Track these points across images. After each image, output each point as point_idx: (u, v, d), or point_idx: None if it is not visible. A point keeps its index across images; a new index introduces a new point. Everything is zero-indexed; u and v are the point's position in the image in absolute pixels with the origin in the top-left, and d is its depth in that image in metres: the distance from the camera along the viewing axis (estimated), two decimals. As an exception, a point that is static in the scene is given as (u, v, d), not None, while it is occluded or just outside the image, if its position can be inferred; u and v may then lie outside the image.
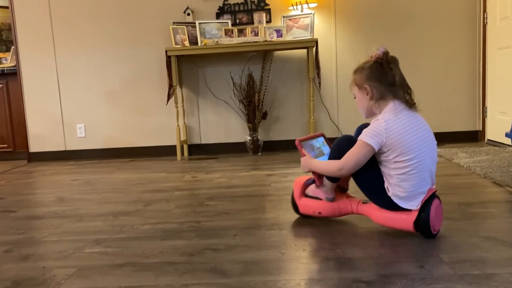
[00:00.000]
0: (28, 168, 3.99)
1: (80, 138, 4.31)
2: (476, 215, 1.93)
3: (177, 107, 3.92)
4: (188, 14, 4.01)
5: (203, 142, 4.24)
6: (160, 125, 4.22)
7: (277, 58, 4.08)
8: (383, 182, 1.66)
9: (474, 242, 1.59)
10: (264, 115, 4.02)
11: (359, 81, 1.70)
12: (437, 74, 4.01)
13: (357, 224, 1.86)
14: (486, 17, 3.83)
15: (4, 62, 4.69)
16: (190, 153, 4.19)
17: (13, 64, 4.43)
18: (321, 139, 1.99)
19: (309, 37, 3.83)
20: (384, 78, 1.65)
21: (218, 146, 4.19)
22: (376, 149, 1.60)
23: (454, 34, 3.96)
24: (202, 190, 2.69)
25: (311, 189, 1.91)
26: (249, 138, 4.00)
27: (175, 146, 4.01)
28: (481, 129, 4.02)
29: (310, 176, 1.90)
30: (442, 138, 4.00)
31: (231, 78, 4.05)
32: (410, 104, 1.67)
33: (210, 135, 4.24)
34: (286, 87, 4.10)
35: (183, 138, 4.10)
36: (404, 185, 1.60)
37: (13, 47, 4.42)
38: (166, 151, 4.19)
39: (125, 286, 1.40)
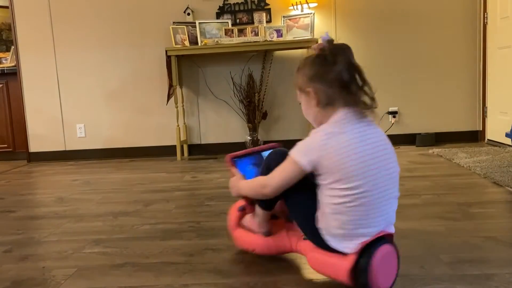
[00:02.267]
0: (28, 168, 3.99)
1: (80, 138, 4.31)
2: (476, 215, 1.92)
3: (177, 107, 3.92)
4: (188, 14, 4.01)
5: (203, 142, 4.24)
6: (160, 125, 4.21)
7: (277, 58, 4.08)
8: (315, 209, 1.28)
9: (474, 242, 1.59)
10: (264, 115, 4.02)
11: (301, 83, 1.30)
12: (437, 74, 4.01)
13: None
14: (486, 17, 3.82)
15: (4, 62, 4.68)
16: (190, 153, 4.19)
17: (13, 64, 4.42)
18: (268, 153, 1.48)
19: (309, 37, 3.83)
20: (331, 77, 1.23)
21: (218, 146, 4.18)
22: (307, 169, 1.22)
23: (454, 33, 3.96)
24: (202, 190, 2.69)
25: (247, 219, 1.57)
26: (249, 138, 4.00)
27: (175, 146, 4.01)
28: (481, 129, 4.02)
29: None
30: (442, 138, 4.01)
31: (231, 78, 4.05)
32: (362, 113, 1.27)
33: (210, 135, 4.23)
34: (286, 87, 4.10)
35: (183, 138, 4.09)
36: (340, 218, 1.21)
37: (13, 47, 4.42)
38: (166, 151, 4.19)
39: (125, 286, 1.40)
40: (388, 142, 1.29)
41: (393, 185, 1.27)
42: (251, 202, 1.50)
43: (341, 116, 1.24)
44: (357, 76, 1.25)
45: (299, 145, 1.25)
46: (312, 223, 1.29)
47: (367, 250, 1.20)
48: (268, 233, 1.49)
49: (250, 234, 1.54)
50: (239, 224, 1.60)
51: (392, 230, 1.30)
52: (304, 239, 1.39)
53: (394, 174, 1.27)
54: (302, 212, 1.33)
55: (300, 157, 1.23)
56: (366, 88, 1.27)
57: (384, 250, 1.22)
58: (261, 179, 1.36)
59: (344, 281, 1.23)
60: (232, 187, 1.50)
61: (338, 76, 1.23)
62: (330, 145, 1.20)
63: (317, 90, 1.26)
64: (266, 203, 1.42)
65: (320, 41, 1.31)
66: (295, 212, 1.36)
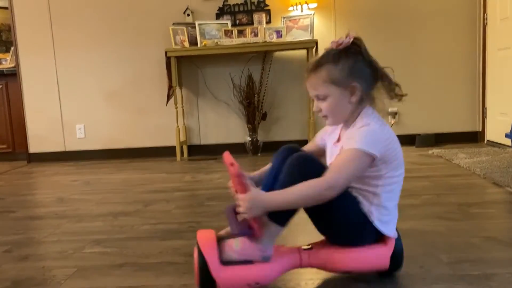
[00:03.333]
0: (28, 169, 3.99)
1: (80, 139, 4.31)
2: (476, 215, 1.93)
3: (176, 108, 3.92)
4: (188, 15, 4.01)
5: (202, 143, 4.24)
6: (159, 125, 4.21)
7: (277, 59, 4.08)
8: (359, 207, 1.28)
9: (474, 242, 1.59)
10: (264, 116, 4.02)
11: (339, 77, 1.25)
12: (437, 74, 4.01)
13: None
14: (486, 18, 3.83)
15: (3, 63, 4.68)
16: (189, 154, 4.19)
17: (13, 65, 4.42)
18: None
19: (309, 38, 3.83)
20: (368, 72, 1.29)
21: (218, 146, 4.18)
22: (376, 157, 1.22)
23: (454, 34, 3.97)
24: (202, 191, 2.69)
25: (235, 250, 1.24)
26: (248, 139, 4.00)
27: (174, 146, 4.00)
28: (481, 130, 4.02)
29: (226, 229, 1.31)
30: (442, 139, 4.01)
31: (231, 79, 4.05)
32: (401, 95, 1.38)
33: (209, 136, 4.23)
34: (286, 88, 4.10)
35: (182, 138, 4.09)
36: (389, 205, 1.30)
37: (12, 48, 4.42)
38: (165, 152, 4.19)
39: (125, 286, 1.40)
40: None
41: None
42: (260, 224, 1.22)
43: (371, 111, 1.31)
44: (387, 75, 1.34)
45: (362, 139, 1.22)
46: (362, 220, 1.27)
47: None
48: (270, 257, 1.26)
49: (247, 266, 1.24)
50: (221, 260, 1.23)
51: None
52: (305, 249, 1.31)
53: None
54: (351, 214, 1.27)
55: (373, 149, 1.20)
56: (394, 86, 1.37)
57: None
58: (321, 181, 1.18)
59: (383, 268, 1.30)
60: (251, 206, 1.17)
61: (371, 73, 1.29)
62: (388, 135, 1.27)
63: (359, 85, 1.27)
64: (284, 217, 1.24)
65: (347, 35, 1.30)
66: (338, 218, 1.26)
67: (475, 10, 3.93)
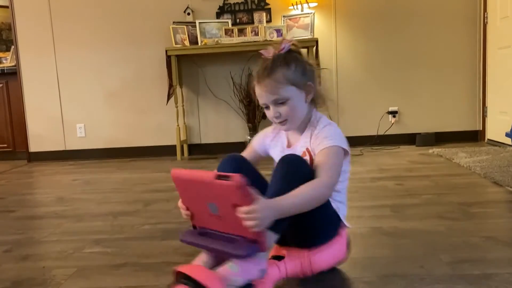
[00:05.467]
0: (28, 168, 3.99)
1: (80, 138, 4.31)
2: (476, 215, 1.92)
3: (177, 107, 3.92)
4: (188, 14, 4.01)
5: (203, 142, 4.24)
6: (160, 125, 4.21)
7: (277, 58, 4.07)
8: (331, 205, 1.30)
9: (474, 242, 1.59)
10: (264, 115, 4.01)
11: (295, 77, 1.26)
12: (437, 74, 4.01)
13: (358, 224, 1.86)
14: (486, 17, 3.82)
15: (4, 61, 4.69)
16: (190, 153, 4.19)
17: (13, 64, 4.42)
18: None
19: (309, 37, 3.83)
20: (316, 74, 1.34)
21: (218, 146, 4.18)
22: (348, 152, 1.31)
23: (454, 33, 3.96)
24: (202, 190, 2.69)
25: (237, 274, 1.10)
26: (249, 138, 4.00)
27: (175, 146, 4.00)
28: (481, 129, 4.02)
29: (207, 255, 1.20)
30: (442, 138, 4.01)
31: (231, 77, 4.05)
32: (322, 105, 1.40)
33: (210, 135, 4.23)
34: (286, 87, 4.09)
35: (183, 138, 4.09)
36: (343, 199, 1.37)
37: (13, 46, 4.42)
38: (166, 151, 4.19)
39: (125, 286, 1.40)
40: None
41: None
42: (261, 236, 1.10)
43: (319, 113, 1.37)
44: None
45: (332, 137, 1.27)
46: (334, 216, 1.32)
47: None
48: (266, 270, 1.17)
49: None
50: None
51: None
52: (274, 257, 1.26)
53: None
54: (326, 212, 1.27)
55: (344, 145, 1.28)
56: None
57: None
58: (322, 182, 1.19)
59: (344, 259, 1.38)
60: (264, 216, 1.06)
61: (318, 75, 1.33)
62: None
63: (313, 85, 1.31)
64: (280, 224, 1.14)
65: (284, 40, 1.33)
66: (317, 218, 1.23)
67: (475, 9, 3.92)
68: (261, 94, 1.29)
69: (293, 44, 1.30)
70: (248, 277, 1.12)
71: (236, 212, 1.05)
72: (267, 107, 1.31)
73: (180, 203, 1.24)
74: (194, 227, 1.24)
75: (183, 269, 1.09)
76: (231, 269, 1.10)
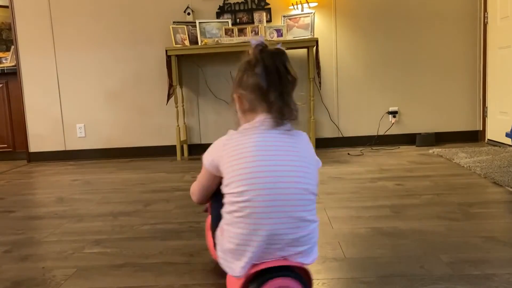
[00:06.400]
0: (28, 168, 3.99)
1: (80, 138, 4.31)
2: (476, 215, 1.92)
3: (177, 107, 3.92)
4: (188, 14, 4.00)
5: (203, 142, 4.24)
6: (160, 125, 4.21)
7: (277, 58, 4.07)
8: (217, 224, 1.22)
9: (474, 242, 1.59)
10: (264, 115, 4.01)
11: (233, 86, 1.26)
12: (437, 74, 4.00)
13: (357, 224, 1.86)
14: (487, 17, 3.82)
15: (4, 61, 4.68)
16: (190, 153, 4.19)
17: (13, 64, 4.42)
18: None
19: (310, 37, 3.83)
20: (250, 82, 1.18)
21: (218, 146, 4.18)
22: (210, 170, 1.21)
23: (455, 33, 3.96)
24: (202, 190, 2.69)
25: None
26: (249, 138, 3.99)
27: (175, 146, 4.00)
28: (481, 129, 4.02)
29: None
30: (443, 138, 4.01)
31: (231, 77, 4.05)
32: (279, 122, 1.16)
33: (210, 135, 4.23)
34: (286, 87, 4.09)
35: (183, 138, 4.09)
36: (230, 230, 1.13)
37: (13, 46, 4.42)
38: (166, 151, 4.19)
39: (125, 286, 1.40)
40: (302, 158, 1.16)
41: (297, 204, 1.11)
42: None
43: (256, 122, 1.18)
44: (278, 84, 1.17)
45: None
46: (214, 236, 1.26)
47: (256, 279, 1.09)
48: None
49: None
50: None
51: (304, 261, 1.13)
52: None
53: (299, 193, 1.11)
54: (212, 225, 1.28)
55: (205, 158, 1.23)
56: (287, 98, 1.18)
57: (275, 284, 1.08)
58: (192, 187, 1.36)
59: None
60: None
61: (256, 82, 1.17)
62: (228, 146, 1.16)
63: (241, 95, 1.22)
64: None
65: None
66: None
67: (475, 9, 3.92)
68: None
69: (249, 53, 1.23)
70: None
71: None
72: None
73: None
74: None
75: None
76: None
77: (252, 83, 1.18)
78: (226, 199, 1.15)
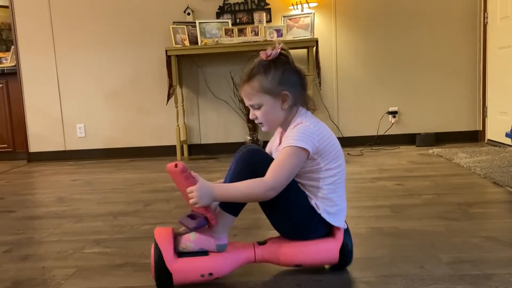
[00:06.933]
0: (28, 168, 3.99)
1: (80, 138, 4.31)
2: (476, 215, 1.92)
3: (177, 107, 3.92)
4: (188, 14, 4.01)
5: (203, 142, 4.24)
6: (160, 125, 4.21)
7: (277, 58, 4.07)
8: (307, 200, 1.36)
9: (474, 242, 1.59)
10: (264, 115, 4.01)
11: (270, 87, 1.34)
12: (437, 74, 4.01)
13: (357, 224, 1.86)
14: (487, 17, 3.82)
15: (4, 62, 4.68)
16: (190, 153, 4.19)
17: (13, 64, 4.42)
18: None
19: (309, 37, 3.83)
20: (295, 79, 1.37)
21: (218, 146, 4.18)
22: (312, 153, 1.30)
23: (455, 33, 3.96)
24: (202, 190, 2.69)
25: (192, 240, 1.32)
26: (249, 138, 4.00)
27: (175, 146, 4.00)
28: (481, 129, 4.02)
29: (183, 227, 1.34)
30: (442, 138, 4.01)
31: (231, 77, 4.05)
32: (313, 109, 1.44)
33: (210, 135, 4.23)
34: (286, 87, 4.10)
35: (183, 138, 4.09)
36: (333, 197, 1.36)
37: (13, 47, 4.42)
38: (166, 151, 4.19)
39: (125, 286, 1.40)
40: None
41: None
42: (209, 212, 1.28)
43: (304, 111, 1.39)
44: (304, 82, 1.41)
45: (294, 137, 1.30)
46: (311, 212, 1.34)
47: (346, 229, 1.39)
48: (226, 247, 1.33)
49: (200, 258, 1.30)
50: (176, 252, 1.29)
51: None
52: (260, 244, 1.39)
53: None
54: (299, 207, 1.34)
55: (305, 144, 1.28)
56: (309, 92, 1.45)
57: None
58: (264, 182, 1.26)
59: (333, 261, 1.36)
60: (201, 195, 1.25)
61: (299, 80, 1.38)
62: (321, 130, 1.34)
63: (290, 92, 1.35)
64: (236, 207, 1.33)
65: (273, 48, 1.36)
66: (287, 212, 1.34)
67: (475, 9, 3.92)
68: (243, 97, 1.42)
69: (282, 49, 1.36)
70: (202, 247, 1.31)
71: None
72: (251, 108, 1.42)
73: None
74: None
75: (156, 230, 1.34)
76: (190, 236, 1.32)
77: (296, 80, 1.38)
78: (327, 174, 1.34)
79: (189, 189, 1.26)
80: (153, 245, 1.31)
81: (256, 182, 1.27)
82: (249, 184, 1.28)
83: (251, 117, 1.41)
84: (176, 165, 1.27)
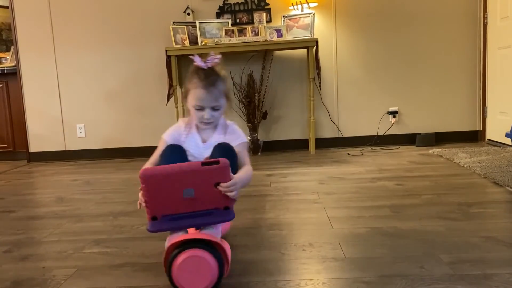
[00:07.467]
0: (28, 168, 3.99)
1: (80, 138, 4.31)
2: (476, 215, 1.92)
3: (177, 107, 3.92)
4: (188, 14, 4.01)
5: (203, 142, 4.23)
6: (160, 125, 4.20)
7: (277, 58, 4.08)
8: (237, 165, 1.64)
9: (474, 242, 1.59)
10: (264, 115, 4.01)
11: (226, 90, 1.62)
12: (437, 74, 4.01)
13: (357, 224, 1.86)
14: (487, 17, 3.82)
15: (4, 62, 4.69)
16: (190, 153, 4.18)
17: (13, 64, 4.43)
18: None
19: (309, 37, 3.83)
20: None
21: (218, 146, 4.18)
22: None
23: (455, 33, 3.96)
24: (202, 190, 2.69)
25: (215, 233, 1.44)
26: (249, 138, 4.00)
27: (175, 146, 3.99)
28: (481, 129, 4.02)
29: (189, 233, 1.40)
30: (442, 138, 4.01)
31: (231, 78, 4.05)
32: None
33: (210, 135, 4.22)
34: (286, 87, 4.10)
35: (183, 138, 4.08)
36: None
37: (13, 47, 4.42)
38: (166, 151, 4.18)
39: (125, 286, 1.40)
40: None
41: None
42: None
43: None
44: None
45: (241, 134, 1.68)
46: (234, 167, 1.54)
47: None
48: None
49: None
50: None
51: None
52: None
53: None
54: (236, 167, 1.55)
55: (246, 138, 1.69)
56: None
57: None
58: (249, 169, 1.55)
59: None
60: (238, 188, 1.39)
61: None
62: None
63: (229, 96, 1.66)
64: None
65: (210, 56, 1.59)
66: (234, 168, 1.53)
67: (475, 9, 3.92)
68: (204, 98, 1.55)
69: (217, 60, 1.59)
70: (220, 235, 1.46)
71: (214, 189, 1.34)
72: (201, 109, 1.57)
73: (141, 196, 1.41)
74: (155, 218, 1.38)
75: (185, 237, 1.33)
76: (211, 231, 1.41)
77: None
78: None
79: (231, 182, 1.36)
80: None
81: (248, 169, 1.54)
82: (247, 172, 1.52)
83: (208, 117, 1.57)
84: (213, 162, 1.33)
